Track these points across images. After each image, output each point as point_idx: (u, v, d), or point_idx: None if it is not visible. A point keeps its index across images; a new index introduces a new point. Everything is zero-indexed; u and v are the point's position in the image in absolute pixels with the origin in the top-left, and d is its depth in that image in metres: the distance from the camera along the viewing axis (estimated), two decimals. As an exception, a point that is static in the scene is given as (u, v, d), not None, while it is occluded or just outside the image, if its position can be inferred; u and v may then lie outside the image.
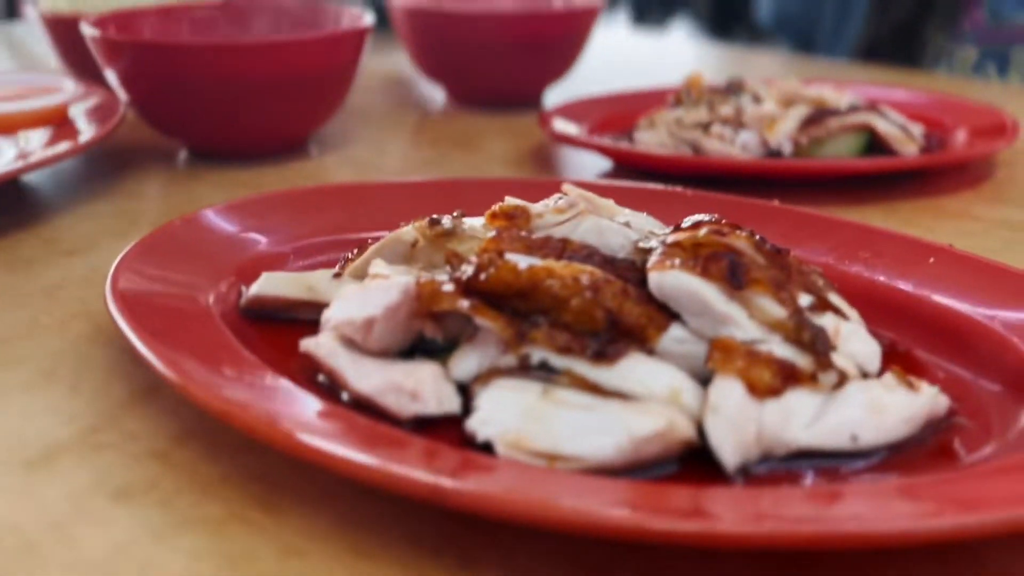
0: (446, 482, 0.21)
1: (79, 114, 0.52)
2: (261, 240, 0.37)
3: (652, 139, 0.53)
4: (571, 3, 0.70)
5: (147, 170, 0.52)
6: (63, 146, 0.46)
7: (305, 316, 0.32)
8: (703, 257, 0.27)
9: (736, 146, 0.51)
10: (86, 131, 0.48)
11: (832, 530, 0.21)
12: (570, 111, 0.57)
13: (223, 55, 0.49)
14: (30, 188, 0.48)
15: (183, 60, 0.49)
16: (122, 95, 0.52)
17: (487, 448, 0.25)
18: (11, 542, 0.23)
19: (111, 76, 0.51)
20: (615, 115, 0.59)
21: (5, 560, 0.23)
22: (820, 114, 0.52)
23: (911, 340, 0.32)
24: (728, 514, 0.21)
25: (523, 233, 0.30)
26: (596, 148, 0.52)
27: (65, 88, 0.53)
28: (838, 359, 0.27)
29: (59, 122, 0.50)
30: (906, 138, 0.52)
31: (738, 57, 0.97)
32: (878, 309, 0.32)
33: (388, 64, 0.75)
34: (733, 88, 0.55)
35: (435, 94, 0.70)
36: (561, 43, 0.66)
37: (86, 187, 0.49)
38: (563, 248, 0.30)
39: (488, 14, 0.66)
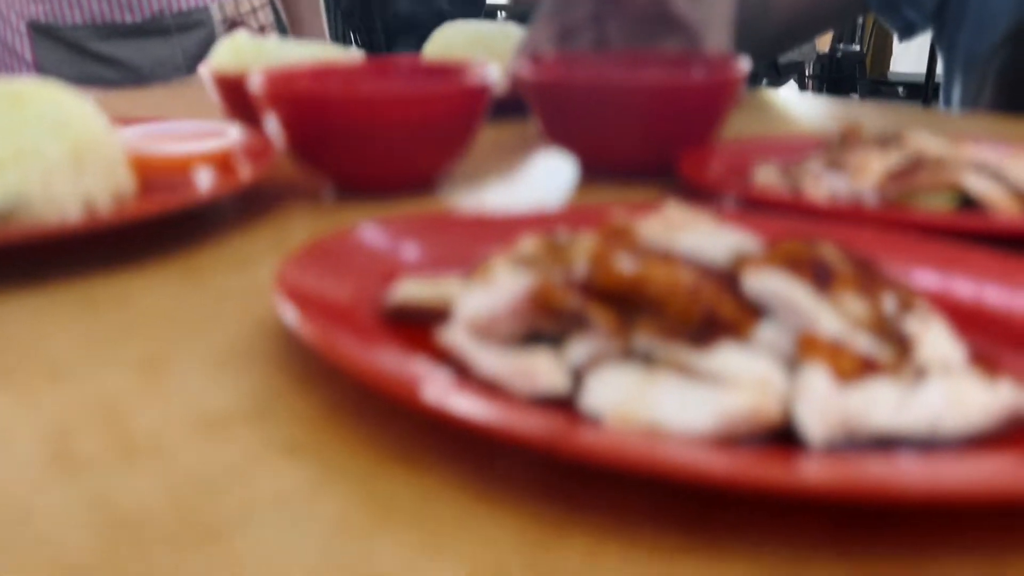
0: (563, 433, 0.25)
1: (240, 154, 0.59)
2: (403, 252, 0.42)
3: (767, 180, 0.55)
4: (713, 72, 0.66)
5: (297, 202, 0.59)
6: (229, 180, 0.53)
7: (439, 317, 0.37)
8: (792, 260, 0.31)
9: (823, 189, 0.51)
10: (247, 168, 0.55)
11: (927, 481, 0.23)
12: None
13: (366, 106, 0.56)
14: (200, 215, 0.55)
15: (332, 110, 0.56)
16: (277, 139, 0.59)
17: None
18: (198, 482, 0.28)
19: (269, 123, 0.58)
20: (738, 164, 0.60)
21: (195, 494, 0.28)
22: (912, 167, 0.49)
23: (998, 350, 0.34)
24: (820, 467, 0.24)
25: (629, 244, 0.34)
26: (712, 189, 0.53)
27: (229, 133, 0.60)
28: (921, 355, 0.30)
29: (224, 160, 0.58)
30: (1008, 200, 0.47)
31: (857, 111, 0.98)
32: (966, 320, 0.34)
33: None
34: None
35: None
36: (699, 113, 0.62)
37: (247, 215, 0.56)
38: (665, 257, 0.34)
39: (619, 86, 0.62)
